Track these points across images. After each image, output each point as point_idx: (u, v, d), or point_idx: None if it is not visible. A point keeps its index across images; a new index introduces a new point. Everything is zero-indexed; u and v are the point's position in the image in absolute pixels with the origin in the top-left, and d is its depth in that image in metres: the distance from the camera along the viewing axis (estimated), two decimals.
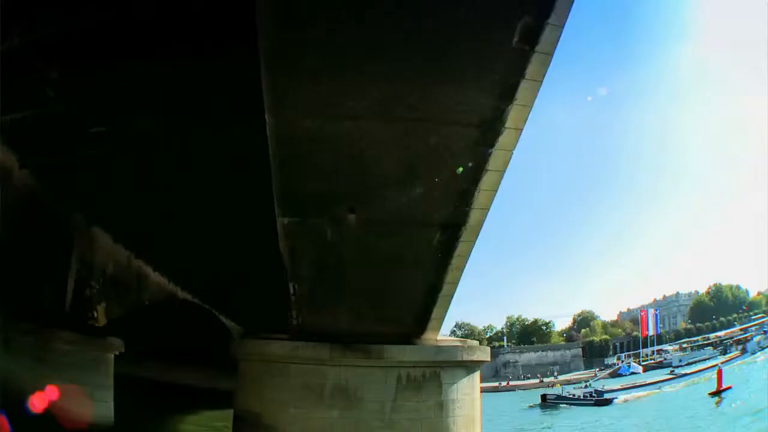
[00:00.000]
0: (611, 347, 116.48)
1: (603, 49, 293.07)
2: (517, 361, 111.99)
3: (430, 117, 8.38)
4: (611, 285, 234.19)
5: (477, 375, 14.03)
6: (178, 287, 25.03)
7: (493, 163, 8.85)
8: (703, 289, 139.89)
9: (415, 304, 12.22)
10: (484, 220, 10.27)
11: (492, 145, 8.48)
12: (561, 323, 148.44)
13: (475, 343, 15.02)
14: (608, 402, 39.17)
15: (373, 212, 10.38)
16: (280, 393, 12.58)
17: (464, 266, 11.35)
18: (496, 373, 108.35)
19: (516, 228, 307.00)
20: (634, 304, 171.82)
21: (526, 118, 8.14)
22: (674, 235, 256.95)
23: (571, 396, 41.35)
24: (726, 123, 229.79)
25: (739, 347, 67.37)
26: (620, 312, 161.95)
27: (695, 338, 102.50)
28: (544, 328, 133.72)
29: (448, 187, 9.49)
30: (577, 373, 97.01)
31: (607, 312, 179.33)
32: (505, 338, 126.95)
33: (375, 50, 7.52)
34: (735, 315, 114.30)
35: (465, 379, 13.11)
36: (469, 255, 11.09)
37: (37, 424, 13.06)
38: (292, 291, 13.00)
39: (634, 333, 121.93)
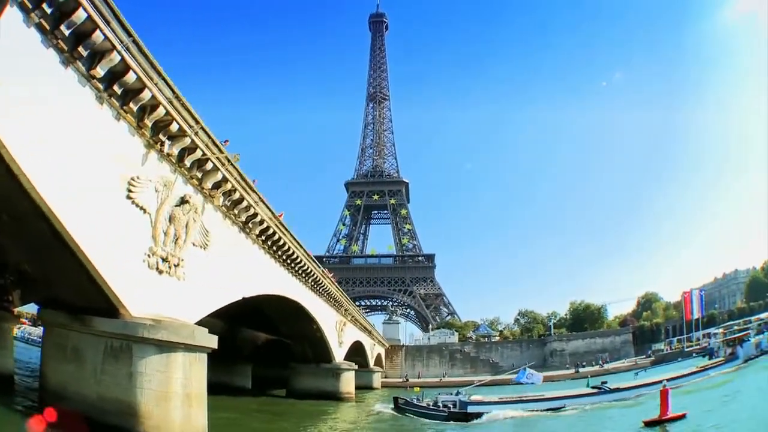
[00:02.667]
0: (663, 331, 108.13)
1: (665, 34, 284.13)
2: (564, 350, 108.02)
3: None
4: (679, 265, 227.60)
5: (179, 356, 15.62)
6: None
7: None
8: (760, 265, 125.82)
9: (82, 278, 14.23)
10: (44, 206, 12.12)
11: None
12: (627, 307, 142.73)
13: (183, 323, 16.44)
14: (469, 417, 30.17)
15: None
16: (48, 350, 16.22)
17: (83, 248, 13.26)
18: (544, 363, 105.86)
19: (587, 216, 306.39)
20: (698, 283, 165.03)
21: None
22: (739, 212, 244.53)
23: (426, 405, 32.49)
24: None
25: (728, 350, 48.45)
26: (683, 293, 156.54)
27: (738, 321, 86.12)
28: (596, 313, 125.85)
29: None
30: (624, 361, 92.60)
31: (671, 293, 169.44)
32: (551, 325, 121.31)
33: None
34: None
35: (156, 356, 14.94)
36: (72, 234, 12.90)
37: None
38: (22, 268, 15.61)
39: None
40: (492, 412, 30.63)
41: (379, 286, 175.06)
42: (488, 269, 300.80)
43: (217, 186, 19.87)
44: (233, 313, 40.08)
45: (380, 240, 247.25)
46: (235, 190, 20.94)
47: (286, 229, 27.34)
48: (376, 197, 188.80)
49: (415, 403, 32.61)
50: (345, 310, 48.24)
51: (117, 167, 14.57)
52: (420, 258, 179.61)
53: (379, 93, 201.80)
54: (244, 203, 22.05)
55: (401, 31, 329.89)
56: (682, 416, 22.85)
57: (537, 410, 31.31)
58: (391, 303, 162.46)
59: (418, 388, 37.08)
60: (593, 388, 35.92)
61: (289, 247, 28.43)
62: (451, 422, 29.88)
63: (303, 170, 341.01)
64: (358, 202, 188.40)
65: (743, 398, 27.67)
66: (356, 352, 67.50)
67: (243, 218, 22.81)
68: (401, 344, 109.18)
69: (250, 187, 21.97)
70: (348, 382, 47.36)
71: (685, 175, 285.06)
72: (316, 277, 35.70)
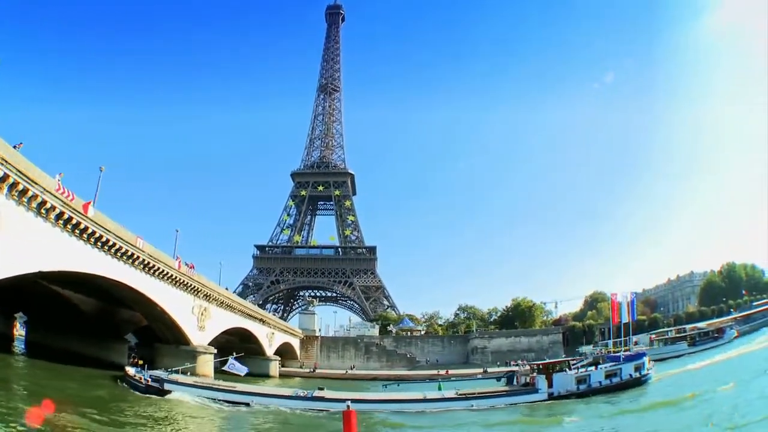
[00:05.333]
0: (597, 333, 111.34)
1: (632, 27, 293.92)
2: (486, 347, 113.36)
3: None
4: (638, 266, 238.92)
5: None
6: None
7: None
8: (718, 269, 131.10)
9: None
10: None
11: None
12: (576, 305, 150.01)
13: None
14: (160, 393, 33.44)
15: None
16: None
17: None
18: (467, 360, 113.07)
19: (550, 215, 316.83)
20: (651, 284, 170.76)
21: None
22: (702, 215, 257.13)
23: (137, 378, 35.53)
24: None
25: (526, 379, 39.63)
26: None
27: (670, 329, 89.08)
28: (527, 311, 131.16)
29: None
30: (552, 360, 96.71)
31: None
32: (473, 322, 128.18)
33: None
34: (739, 300, 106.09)
35: None
36: None
37: None
38: None
39: (647, 315, 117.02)
40: (176, 392, 34.41)
41: (320, 277, 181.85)
42: (445, 266, 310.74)
43: (3, 180, 25.96)
44: (102, 293, 45.95)
45: (326, 231, 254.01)
46: (18, 183, 26.74)
47: (84, 215, 32.51)
48: (320, 188, 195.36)
49: (131, 374, 36.53)
50: (206, 295, 53.60)
51: None
52: (361, 250, 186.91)
53: (330, 84, 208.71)
54: (30, 192, 27.72)
55: (368, 31, 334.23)
56: None
57: (223, 400, 33.96)
58: (308, 294, 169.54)
59: (141, 361, 40.07)
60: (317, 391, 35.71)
61: (94, 231, 33.97)
62: (144, 393, 33.92)
63: (256, 161, 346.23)
64: (303, 192, 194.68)
65: None
66: (245, 339, 73.80)
67: (34, 205, 28.73)
68: (316, 335, 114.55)
69: (33, 181, 28.03)
70: (204, 365, 52.15)
71: (649, 178, 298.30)
72: (144, 260, 40.82)
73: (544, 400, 35.89)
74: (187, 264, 49.34)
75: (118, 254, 37.88)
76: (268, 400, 34.66)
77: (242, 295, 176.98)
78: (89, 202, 33.37)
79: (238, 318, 65.20)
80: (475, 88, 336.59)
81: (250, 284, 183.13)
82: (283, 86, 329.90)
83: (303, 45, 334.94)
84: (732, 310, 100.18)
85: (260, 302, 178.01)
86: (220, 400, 33.82)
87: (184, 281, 48.20)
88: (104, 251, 36.37)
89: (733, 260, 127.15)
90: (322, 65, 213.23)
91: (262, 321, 75.90)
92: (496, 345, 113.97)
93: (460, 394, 36.42)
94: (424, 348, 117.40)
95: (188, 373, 39.53)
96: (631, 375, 38.99)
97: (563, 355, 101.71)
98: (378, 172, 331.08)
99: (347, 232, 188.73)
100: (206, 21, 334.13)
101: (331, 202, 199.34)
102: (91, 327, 50.96)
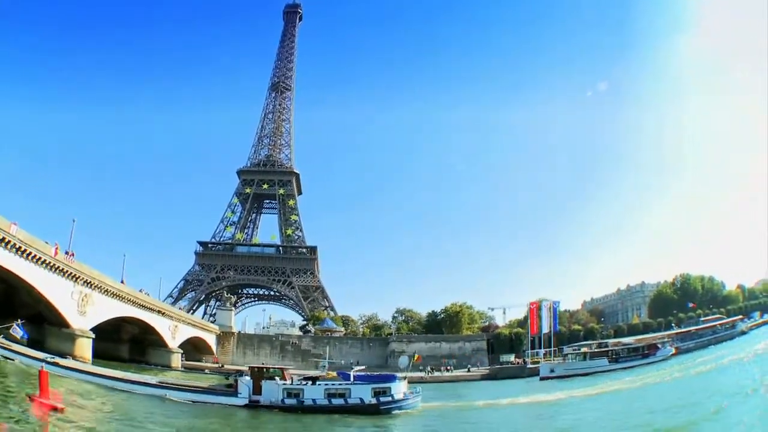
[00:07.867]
0: (528, 342, 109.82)
1: (605, 42, 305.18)
2: (404, 351, 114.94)
3: None
4: (592, 274, 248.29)
5: None
6: None
7: None
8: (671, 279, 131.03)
9: None
10: None
11: None
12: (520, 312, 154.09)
13: None
14: None
15: None
16: None
17: None
18: (386, 362, 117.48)
19: (511, 219, 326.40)
20: (601, 293, 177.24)
21: None
22: (657, 226, 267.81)
23: None
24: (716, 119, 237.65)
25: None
26: (584, 301, 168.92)
27: (591, 342, 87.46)
28: (454, 317, 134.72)
29: None
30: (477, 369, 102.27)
31: (574, 301, 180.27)
32: (395, 326, 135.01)
33: None
34: (691, 313, 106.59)
35: None
36: None
37: None
38: None
39: (584, 325, 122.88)
40: None
41: (261, 275, 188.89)
42: (396, 270, 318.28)
43: None
44: None
45: (272, 230, 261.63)
46: None
47: None
48: (265, 186, 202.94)
49: None
50: (86, 282, 59.42)
51: None
52: (302, 250, 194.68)
53: (282, 83, 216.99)
54: None
55: (326, 30, 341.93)
56: (57, 409, 23.78)
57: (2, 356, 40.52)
58: (226, 291, 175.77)
59: None
60: None
61: None
62: None
63: (204, 158, 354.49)
64: (248, 190, 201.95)
65: None
66: (147, 330, 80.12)
67: None
68: (233, 331, 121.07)
69: None
70: (82, 348, 57.96)
71: (612, 188, 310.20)
72: (16, 245, 46.71)
73: (241, 406, 34.97)
74: (67, 252, 55.78)
75: None
76: (27, 359, 40.70)
77: (183, 290, 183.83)
78: None
79: (129, 307, 70.92)
80: (437, 90, 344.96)
81: (191, 280, 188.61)
82: (236, 84, 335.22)
83: (258, 43, 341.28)
84: (674, 324, 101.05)
85: (202, 298, 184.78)
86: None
87: (60, 267, 54.47)
88: None
89: (688, 272, 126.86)
90: (276, 63, 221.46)
91: (161, 313, 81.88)
92: (416, 349, 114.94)
93: (160, 383, 37.80)
94: (342, 349, 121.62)
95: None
96: (362, 399, 35.28)
97: (488, 363, 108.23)
98: (330, 174, 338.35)
99: (289, 232, 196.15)
100: (158, 19, 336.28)
101: (276, 201, 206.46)
102: None
